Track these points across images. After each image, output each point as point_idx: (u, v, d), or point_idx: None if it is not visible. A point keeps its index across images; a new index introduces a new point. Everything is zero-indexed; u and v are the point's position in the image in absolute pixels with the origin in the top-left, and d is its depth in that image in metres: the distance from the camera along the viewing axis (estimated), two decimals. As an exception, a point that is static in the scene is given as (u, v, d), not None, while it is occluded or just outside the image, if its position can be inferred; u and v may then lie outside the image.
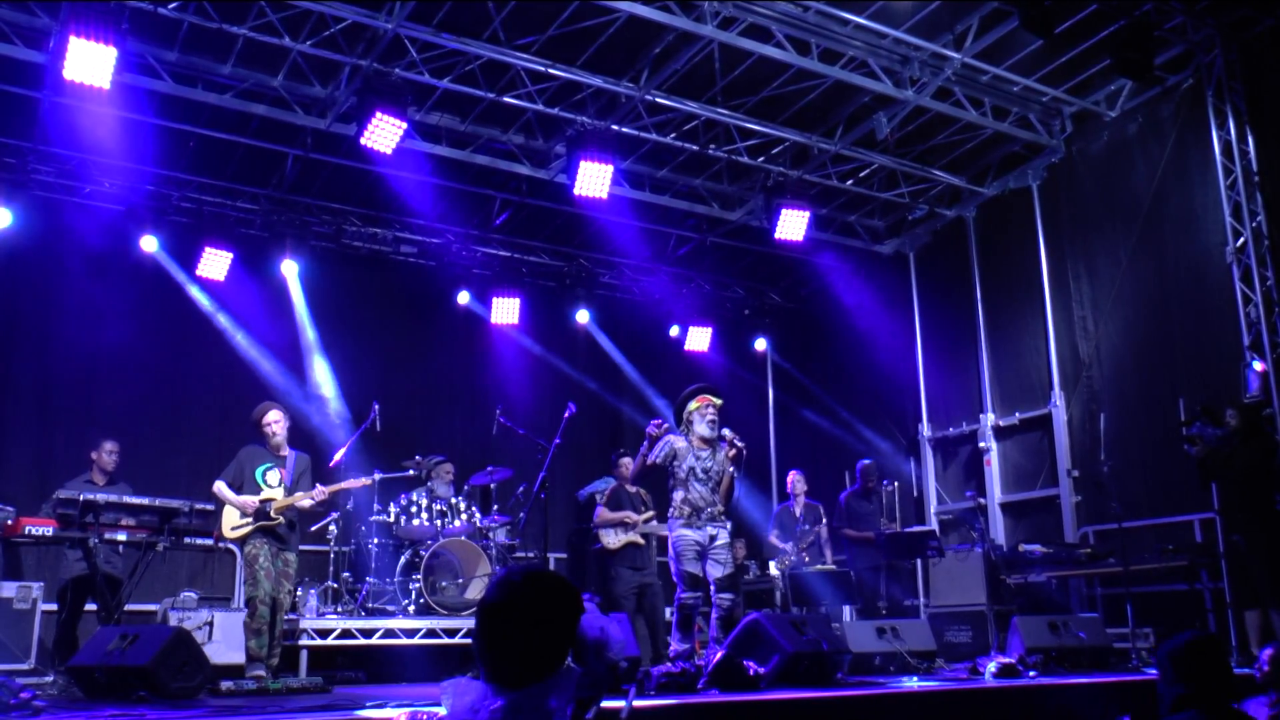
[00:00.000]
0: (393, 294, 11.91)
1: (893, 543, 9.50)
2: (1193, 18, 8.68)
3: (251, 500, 7.03)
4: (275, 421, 7.29)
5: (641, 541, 8.62)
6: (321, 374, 11.01)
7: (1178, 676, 3.30)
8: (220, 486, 7.09)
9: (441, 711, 2.10)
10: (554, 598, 2.11)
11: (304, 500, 7.19)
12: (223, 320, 10.65)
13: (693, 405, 6.47)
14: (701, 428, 6.41)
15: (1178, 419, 8.07)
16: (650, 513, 8.75)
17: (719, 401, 6.52)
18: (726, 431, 6.43)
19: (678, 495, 6.37)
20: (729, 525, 9.09)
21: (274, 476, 7.16)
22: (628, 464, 8.62)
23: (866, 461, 10.37)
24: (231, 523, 7.04)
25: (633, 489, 8.78)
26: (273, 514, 7.03)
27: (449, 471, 9.46)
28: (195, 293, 10.51)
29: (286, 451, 7.34)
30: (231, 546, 7.12)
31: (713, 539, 6.32)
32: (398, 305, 11.95)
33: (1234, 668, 6.71)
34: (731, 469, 6.47)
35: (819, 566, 9.76)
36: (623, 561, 8.55)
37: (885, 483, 10.64)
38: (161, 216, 10.21)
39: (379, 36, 8.26)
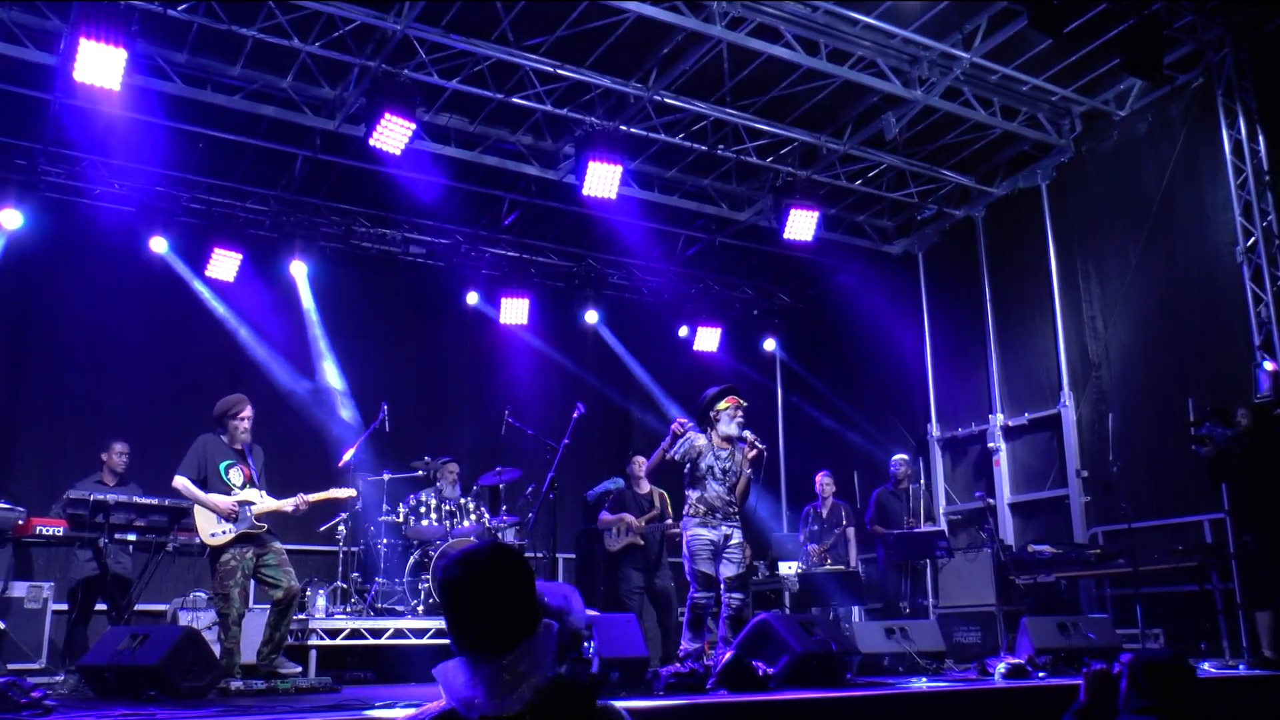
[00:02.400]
0: (401, 294, 11.92)
1: (901, 543, 9.48)
2: (1202, 16, 8.65)
3: (226, 502, 6.58)
4: (250, 417, 6.86)
5: (641, 543, 8.62)
6: (330, 374, 11.02)
7: (1148, 691, 3.38)
8: (186, 483, 6.52)
9: (443, 702, 2.10)
10: (516, 562, 2.19)
11: (287, 505, 6.80)
12: (232, 321, 10.66)
13: (723, 405, 6.53)
14: (730, 428, 6.47)
15: (1187, 419, 8.02)
16: (654, 511, 8.75)
17: (746, 404, 6.61)
18: (748, 433, 6.48)
19: (693, 494, 6.42)
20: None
21: (237, 475, 6.71)
22: (640, 462, 8.64)
23: (901, 456, 10.34)
24: (209, 529, 6.51)
25: (645, 490, 8.78)
26: (257, 521, 6.61)
27: (454, 471, 9.48)
28: (205, 293, 10.52)
29: (240, 446, 6.89)
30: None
31: (727, 539, 6.37)
32: (406, 306, 11.95)
33: (1245, 669, 6.70)
34: (749, 470, 6.53)
35: (827, 567, 9.75)
36: (628, 563, 8.58)
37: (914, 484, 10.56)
38: (171, 217, 10.23)
39: (388, 37, 8.28)
